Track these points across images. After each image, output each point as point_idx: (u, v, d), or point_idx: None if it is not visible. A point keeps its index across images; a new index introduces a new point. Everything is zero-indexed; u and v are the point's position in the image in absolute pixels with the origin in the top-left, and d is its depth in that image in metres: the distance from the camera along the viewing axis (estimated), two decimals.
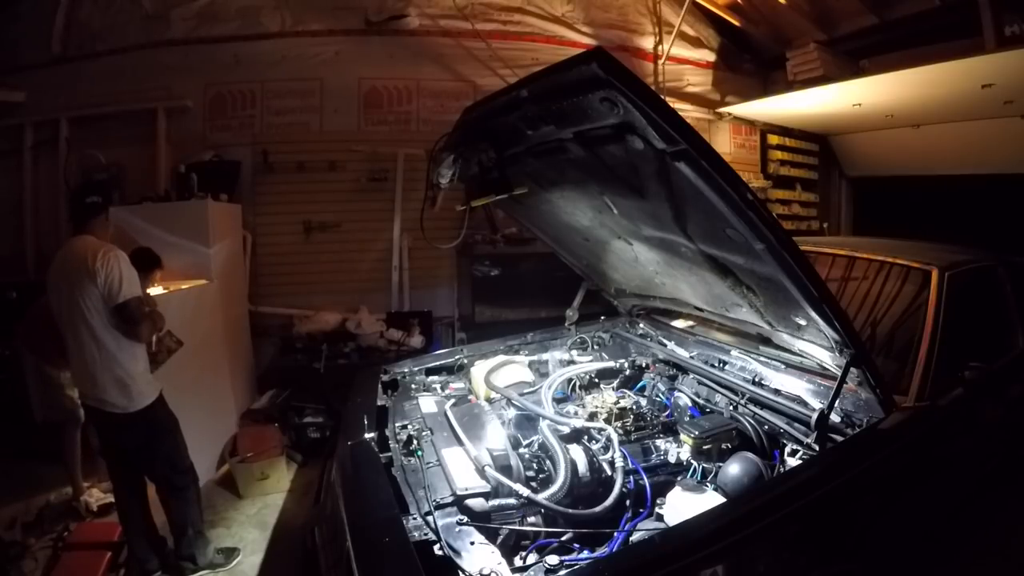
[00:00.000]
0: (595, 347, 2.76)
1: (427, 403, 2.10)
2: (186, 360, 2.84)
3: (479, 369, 2.33)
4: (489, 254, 4.64)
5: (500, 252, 4.61)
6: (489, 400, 2.14)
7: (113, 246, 2.23)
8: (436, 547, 1.30)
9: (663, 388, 2.23)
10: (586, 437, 1.80)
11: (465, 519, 1.41)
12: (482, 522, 1.43)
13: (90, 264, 2.12)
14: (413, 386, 2.40)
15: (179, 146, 4.37)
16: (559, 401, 2.12)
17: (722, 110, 5.54)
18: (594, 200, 2.02)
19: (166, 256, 3.00)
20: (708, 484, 1.63)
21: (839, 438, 1.65)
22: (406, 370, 2.51)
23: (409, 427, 1.90)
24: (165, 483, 2.39)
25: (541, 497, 1.49)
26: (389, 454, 1.78)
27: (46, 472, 3.11)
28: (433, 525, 1.37)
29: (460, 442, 1.72)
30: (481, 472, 1.55)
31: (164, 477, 2.38)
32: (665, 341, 2.53)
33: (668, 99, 4.78)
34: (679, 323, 2.73)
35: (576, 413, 2.00)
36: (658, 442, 1.87)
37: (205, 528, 2.55)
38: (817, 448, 1.61)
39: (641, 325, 2.82)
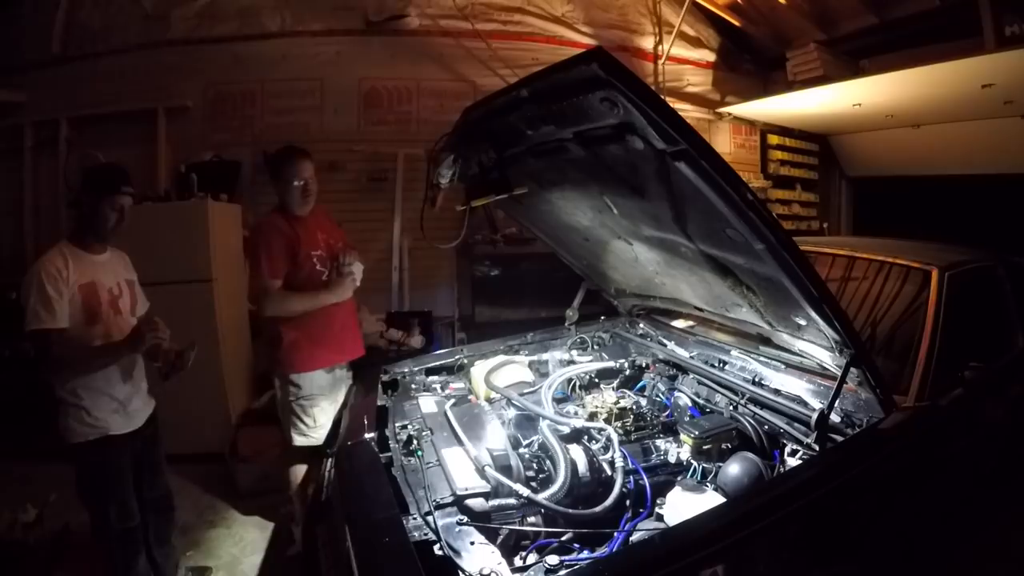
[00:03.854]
0: (595, 347, 2.76)
1: (427, 403, 2.10)
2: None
3: (479, 369, 2.33)
4: (489, 254, 4.63)
5: (500, 252, 4.61)
6: (489, 400, 2.13)
7: (49, 256, 1.81)
8: (436, 547, 1.30)
9: (663, 388, 2.22)
10: (586, 437, 1.80)
11: (465, 519, 1.41)
12: (482, 522, 1.43)
13: None
14: (413, 386, 2.40)
15: (179, 146, 4.36)
16: (559, 401, 2.12)
17: (722, 110, 5.53)
18: (594, 200, 2.02)
19: (166, 255, 2.95)
20: (708, 484, 1.62)
21: (839, 438, 1.65)
22: (406, 370, 2.51)
23: (409, 427, 1.89)
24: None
25: (541, 497, 1.48)
26: (389, 454, 1.77)
27: (46, 472, 3.09)
28: (433, 525, 1.37)
29: (460, 442, 1.72)
30: (481, 472, 1.55)
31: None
32: (665, 341, 2.53)
33: (668, 99, 4.77)
34: (679, 323, 2.72)
35: (576, 413, 2.00)
36: (658, 442, 1.87)
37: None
38: (817, 448, 1.61)
39: (641, 325, 2.81)
